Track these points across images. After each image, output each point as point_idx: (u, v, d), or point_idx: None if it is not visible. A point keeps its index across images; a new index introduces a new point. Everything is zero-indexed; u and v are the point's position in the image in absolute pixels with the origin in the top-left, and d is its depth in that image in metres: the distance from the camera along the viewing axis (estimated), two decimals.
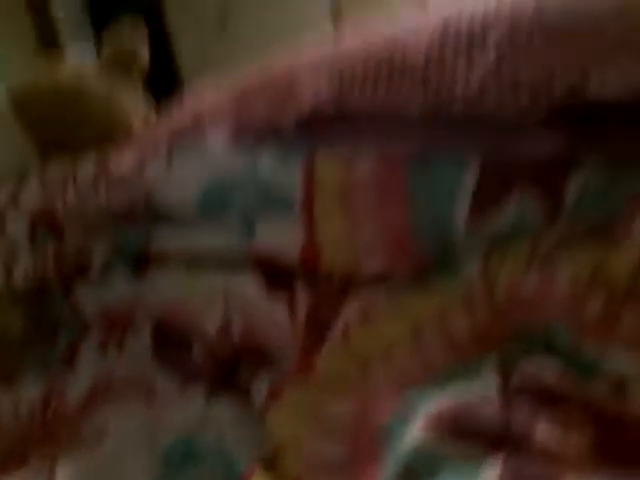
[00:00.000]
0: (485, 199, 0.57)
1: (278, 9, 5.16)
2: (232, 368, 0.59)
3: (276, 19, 5.16)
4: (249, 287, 0.59)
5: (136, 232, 0.66)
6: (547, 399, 0.41)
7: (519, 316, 0.49)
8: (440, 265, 0.58)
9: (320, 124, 0.71)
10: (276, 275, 0.61)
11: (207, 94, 1.06)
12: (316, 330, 0.55)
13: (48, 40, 4.94)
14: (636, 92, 0.59)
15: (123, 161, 0.69)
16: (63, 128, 1.11)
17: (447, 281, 0.56)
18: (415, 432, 0.40)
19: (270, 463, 0.44)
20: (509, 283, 0.50)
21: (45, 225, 0.70)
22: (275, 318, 0.57)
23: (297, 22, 5.02)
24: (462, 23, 0.82)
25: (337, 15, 4.94)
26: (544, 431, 0.38)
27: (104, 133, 1.11)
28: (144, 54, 1.23)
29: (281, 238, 0.61)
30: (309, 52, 0.99)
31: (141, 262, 0.65)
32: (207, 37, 5.38)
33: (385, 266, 0.58)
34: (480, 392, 0.44)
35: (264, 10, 5.19)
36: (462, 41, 0.79)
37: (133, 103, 1.19)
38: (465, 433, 0.39)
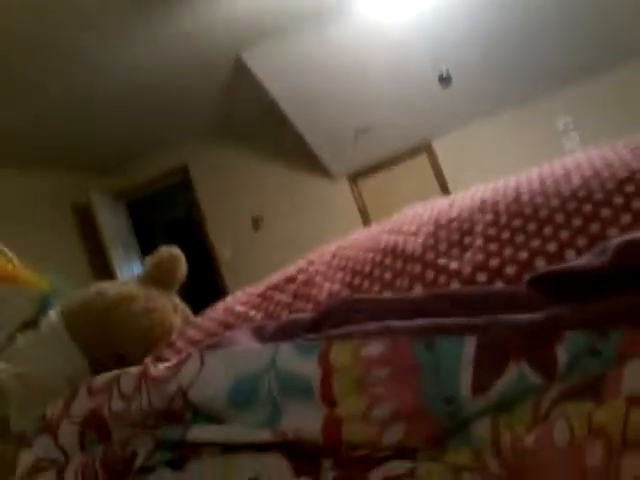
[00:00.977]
0: (486, 371, 0.62)
1: (308, 213, 5.58)
2: None
3: (307, 220, 5.56)
4: (278, 471, 0.64)
5: (174, 427, 0.72)
6: None
7: (526, 471, 0.52)
8: (453, 431, 0.63)
9: (334, 315, 0.80)
10: (302, 456, 0.66)
11: (234, 299, 1.18)
12: None
13: (101, 267, 5.36)
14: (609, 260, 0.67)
15: (161, 365, 0.78)
16: (109, 339, 1.23)
17: (460, 445, 0.60)
18: None
19: None
20: (513, 439, 0.54)
21: (94, 430, 0.77)
22: None
23: (327, 224, 5.41)
24: (452, 217, 0.94)
25: (365, 219, 5.33)
26: None
27: (146, 335, 1.22)
28: (179, 270, 1.38)
29: (304, 419, 0.66)
30: (325, 254, 1.12)
31: (179, 453, 0.70)
32: (243, 240, 5.78)
33: (403, 437, 0.62)
34: None
35: (297, 213, 5.62)
36: (454, 231, 0.91)
37: (171, 309, 1.31)
38: None
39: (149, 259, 1.43)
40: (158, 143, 5.79)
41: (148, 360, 1.05)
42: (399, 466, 0.59)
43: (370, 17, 3.96)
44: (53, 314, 1.32)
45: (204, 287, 6.46)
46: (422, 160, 5.22)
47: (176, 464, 0.70)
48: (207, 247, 6.09)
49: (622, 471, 0.49)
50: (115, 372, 0.82)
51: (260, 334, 0.84)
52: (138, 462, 0.70)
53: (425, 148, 5.19)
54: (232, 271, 5.93)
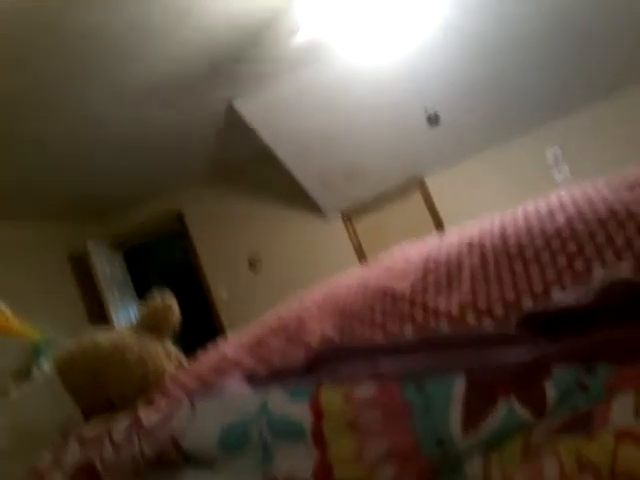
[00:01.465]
0: (475, 409, 0.63)
1: (304, 252, 5.60)
2: None
3: (303, 259, 5.57)
4: None
5: (165, 474, 0.71)
6: None
7: None
8: (445, 469, 0.63)
9: (324, 360, 0.80)
10: None
11: (227, 343, 1.18)
12: None
13: (97, 313, 5.34)
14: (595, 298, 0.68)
15: (152, 413, 0.78)
16: (102, 387, 1.22)
17: None
18: None
19: None
20: (504, 478, 0.54)
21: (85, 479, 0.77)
22: None
23: (323, 262, 5.42)
24: (440, 258, 0.95)
25: (360, 256, 5.35)
26: None
27: (139, 383, 1.22)
28: (172, 317, 1.38)
29: (296, 461, 0.66)
30: (316, 296, 1.13)
31: None
32: (240, 281, 5.77)
33: (396, 476, 0.62)
34: None
35: (292, 252, 5.64)
36: (441, 274, 0.92)
37: (164, 356, 1.31)
38: None
39: (142, 307, 1.43)
40: (153, 191, 5.82)
41: (139, 408, 1.05)
42: None
43: (355, 60, 4.05)
44: (46, 364, 1.31)
45: (202, 328, 6.43)
46: (416, 197, 5.26)
47: None
48: (204, 289, 6.08)
49: None
50: (106, 421, 0.81)
51: (252, 380, 0.84)
52: None
53: (418, 185, 5.23)
54: (229, 311, 5.91)
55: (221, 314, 5.97)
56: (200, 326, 6.57)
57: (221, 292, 5.96)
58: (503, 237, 0.91)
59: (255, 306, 5.40)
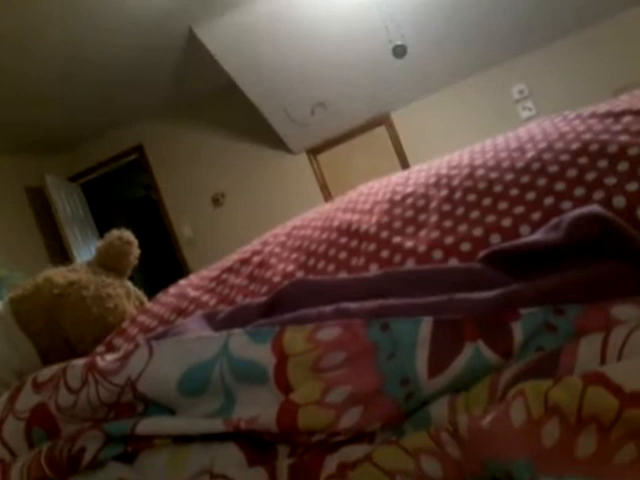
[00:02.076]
0: (441, 351, 0.61)
1: (269, 189, 5.54)
2: None
3: (268, 196, 5.52)
4: (231, 460, 0.62)
5: (124, 421, 0.69)
6: None
7: (483, 453, 0.51)
8: (410, 414, 0.62)
9: (287, 299, 0.78)
10: (257, 445, 0.64)
11: (188, 282, 1.15)
12: None
13: (58, 249, 5.23)
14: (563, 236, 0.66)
15: (109, 356, 0.75)
16: (58, 327, 1.19)
17: (418, 428, 0.59)
18: None
19: None
20: (471, 420, 0.53)
21: (41, 426, 0.74)
22: None
23: (288, 199, 5.37)
24: (407, 193, 0.93)
25: (326, 193, 5.31)
26: None
27: (97, 323, 1.19)
28: (131, 254, 1.33)
29: (259, 406, 0.64)
30: (279, 233, 1.10)
31: (130, 447, 0.67)
32: (203, 218, 5.71)
33: (360, 421, 0.60)
34: None
35: (257, 189, 5.57)
36: (408, 208, 0.89)
37: (123, 295, 1.28)
38: None
39: (99, 244, 1.38)
40: (112, 123, 5.62)
41: (97, 351, 1.02)
42: (356, 451, 0.58)
43: None
44: (0, 303, 1.26)
45: (165, 267, 6.38)
46: (381, 132, 5.21)
47: (127, 458, 0.68)
48: (167, 227, 5.99)
49: (576, 449, 0.49)
50: (61, 364, 0.78)
51: (212, 321, 0.82)
52: (87, 458, 0.67)
53: (383, 120, 5.17)
54: (193, 250, 5.86)
55: (185, 252, 5.91)
56: (164, 265, 6.52)
57: (184, 229, 5.89)
58: (471, 172, 0.88)
59: (219, 244, 5.36)
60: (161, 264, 6.68)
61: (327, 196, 5.31)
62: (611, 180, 0.72)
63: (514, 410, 0.52)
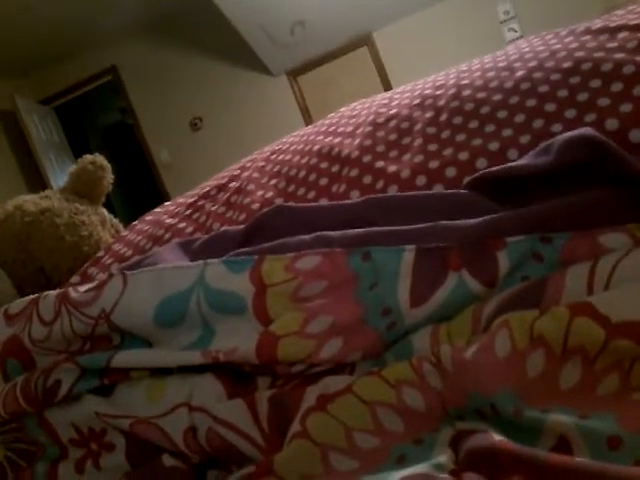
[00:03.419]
0: (424, 281, 0.60)
1: (248, 112, 5.41)
2: (202, 474, 0.59)
3: (247, 120, 5.40)
4: (210, 392, 0.61)
5: (99, 353, 0.67)
6: (495, 468, 0.42)
7: (467, 384, 0.50)
8: (392, 345, 0.61)
9: (266, 227, 0.75)
10: (236, 377, 0.63)
11: (165, 208, 1.12)
12: (278, 427, 0.56)
13: (34, 179, 5.12)
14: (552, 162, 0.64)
15: (82, 287, 0.72)
16: (32, 256, 1.15)
17: (400, 358, 0.58)
18: None
19: None
20: (454, 351, 0.52)
21: (15, 359, 0.72)
22: (237, 421, 0.57)
23: (267, 122, 5.26)
24: (391, 115, 0.89)
25: (306, 117, 5.19)
26: None
27: (71, 252, 1.16)
28: (104, 180, 1.29)
29: (238, 337, 0.63)
30: (258, 158, 1.05)
31: (106, 379, 0.66)
32: (181, 143, 5.60)
33: (340, 351, 0.59)
34: (434, 466, 0.44)
35: (236, 113, 5.44)
36: (392, 130, 0.85)
37: (98, 223, 1.24)
38: None
39: (71, 170, 1.32)
40: (83, 43, 5.38)
41: (72, 281, 0.99)
42: (336, 382, 0.57)
43: None
44: None
45: (144, 193, 6.30)
46: (363, 53, 5.06)
47: (104, 391, 0.66)
48: (144, 151, 5.87)
49: (560, 380, 0.48)
50: (32, 296, 0.76)
51: (188, 249, 0.79)
52: (62, 391, 0.66)
53: (365, 41, 5.01)
54: (171, 175, 5.77)
55: (163, 177, 5.82)
56: (142, 191, 6.43)
57: (162, 154, 5.77)
58: (458, 92, 0.84)
59: (197, 169, 5.28)
60: (140, 190, 6.59)
61: (308, 119, 5.21)
62: (604, 101, 0.68)
63: (498, 341, 0.51)
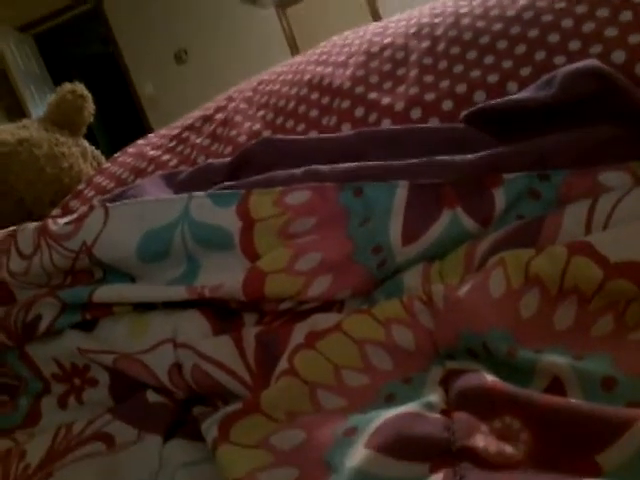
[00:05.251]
0: (417, 218, 0.58)
1: (234, 44, 5.26)
2: (187, 410, 0.58)
3: (233, 52, 5.26)
4: (196, 328, 0.59)
5: (81, 288, 0.65)
6: (487, 408, 0.41)
7: (459, 323, 0.49)
8: (382, 283, 0.60)
9: (253, 159, 0.72)
10: (222, 314, 0.62)
11: (148, 140, 1.08)
12: (265, 364, 0.55)
13: (15, 108, 4.99)
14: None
15: (61, 220, 0.69)
16: (11, 189, 1.12)
17: (391, 296, 0.57)
18: (356, 453, 0.40)
19: None
20: (446, 290, 0.51)
21: None
22: (223, 358, 0.56)
23: (254, 55, 5.13)
24: (385, 44, 0.85)
25: (294, 50, 5.06)
26: (483, 441, 0.38)
27: (52, 184, 1.12)
28: (85, 110, 1.24)
29: (224, 273, 0.61)
30: (245, 89, 1.01)
31: (88, 314, 0.65)
32: (166, 75, 5.47)
33: (329, 289, 0.58)
34: (424, 404, 0.44)
35: (222, 44, 5.29)
36: (386, 60, 0.82)
37: (78, 154, 1.20)
38: (406, 450, 0.39)
39: (50, 99, 1.27)
40: None
41: (53, 213, 0.96)
42: (325, 319, 0.56)
43: None
44: None
45: (128, 127, 6.16)
46: None
47: (86, 326, 0.65)
48: (127, 84, 5.71)
49: (555, 320, 0.47)
50: (11, 229, 0.73)
51: (172, 182, 0.76)
52: (43, 326, 0.64)
53: None
54: (156, 109, 5.64)
55: (147, 111, 5.69)
56: (126, 125, 6.29)
57: (146, 87, 5.62)
58: (456, 20, 0.79)
59: (183, 103, 5.15)
60: (123, 125, 6.45)
61: (295, 52, 5.08)
62: (612, 32, 0.65)
63: (493, 279, 0.50)
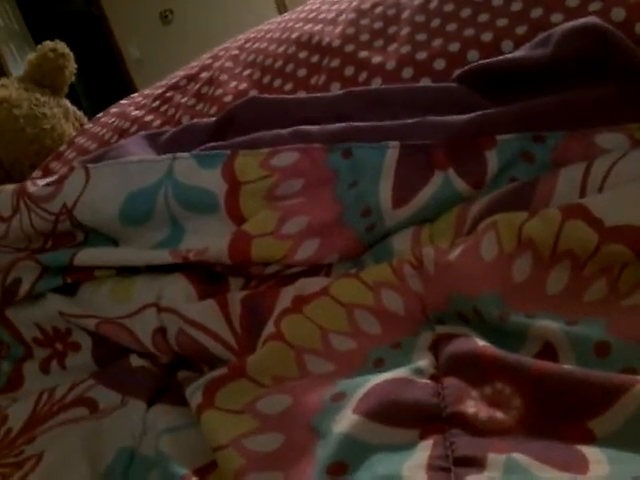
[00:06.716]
0: (408, 180, 0.57)
1: (221, 3, 5.15)
2: (171, 375, 0.58)
3: (220, 11, 5.15)
4: (180, 293, 0.58)
5: (61, 251, 0.64)
6: (477, 373, 0.40)
7: (449, 287, 0.48)
8: (371, 246, 0.58)
9: (240, 120, 0.70)
10: (207, 278, 0.60)
11: (131, 100, 1.05)
12: (251, 329, 0.54)
13: None
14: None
15: (41, 181, 0.67)
16: None
17: (380, 260, 0.56)
18: (344, 419, 0.39)
19: (209, 467, 0.43)
20: (437, 252, 0.50)
21: None
22: (209, 322, 0.55)
23: (242, 15, 5.02)
24: (376, 0, 0.82)
25: (281, 7, 4.95)
26: (473, 407, 0.37)
27: (32, 145, 1.09)
28: (66, 69, 1.20)
29: (209, 236, 0.60)
30: (231, 45, 0.98)
31: (69, 278, 0.63)
32: (151, 36, 5.35)
33: (317, 252, 0.57)
34: (413, 370, 0.43)
35: (208, 3, 5.18)
36: (377, 18, 0.79)
37: (60, 115, 1.17)
38: (395, 416, 0.38)
39: (30, 57, 1.23)
40: None
41: (33, 176, 0.94)
42: (312, 283, 0.55)
43: None
44: None
45: (113, 90, 6.04)
46: None
47: (68, 290, 0.63)
48: (112, 45, 5.58)
49: (547, 285, 0.46)
50: None
51: (155, 142, 0.74)
52: (23, 289, 0.63)
53: None
54: (142, 71, 5.53)
55: (133, 74, 5.58)
56: (111, 88, 6.17)
57: (131, 49, 5.50)
58: None
59: (169, 64, 5.05)
60: (108, 86, 6.32)
61: (284, 12, 4.97)
62: None
63: (485, 243, 0.49)
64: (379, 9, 0.79)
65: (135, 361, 0.58)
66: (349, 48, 0.76)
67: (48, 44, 1.23)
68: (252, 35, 0.96)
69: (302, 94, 0.77)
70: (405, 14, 0.76)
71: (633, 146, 0.50)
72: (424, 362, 0.43)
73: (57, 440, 0.53)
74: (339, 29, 0.80)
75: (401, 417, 0.38)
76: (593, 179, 0.49)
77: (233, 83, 0.84)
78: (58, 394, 0.59)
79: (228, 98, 0.82)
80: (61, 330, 0.64)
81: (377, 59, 0.73)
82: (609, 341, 0.38)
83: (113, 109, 1.04)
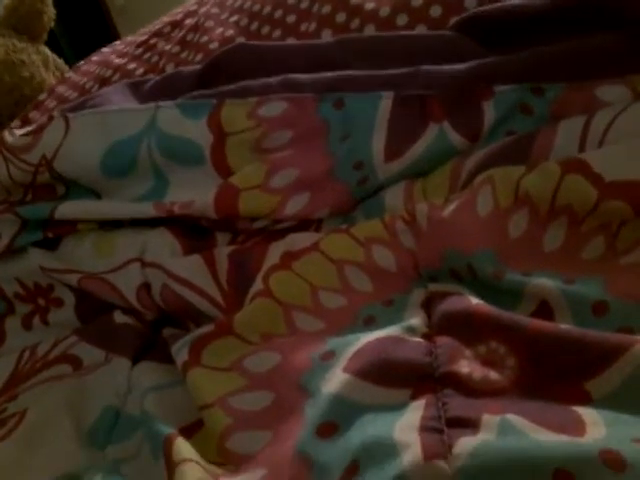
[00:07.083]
0: (402, 132, 0.55)
1: None
2: (157, 332, 0.56)
3: None
4: (165, 247, 0.56)
5: (41, 204, 0.62)
6: (471, 332, 0.39)
7: (443, 243, 0.47)
8: (362, 201, 0.57)
9: (226, 67, 0.68)
10: (193, 233, 0.59)
11: (113, 48, 1.01)
12: (239, 285, 0.53)
13: None
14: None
15: (19, 131, 0.65)
16: None
17: (371, 216, 0.54)
18: (334, 378, 0.38)
19: (195, 426, 0.43)
20: (430, 208, 0.49)
21: None
22: (194, 278, 0.54)
23: None
24: None
25: None
26: (467, 367, 0.36)
27: (10, 94, 1.05)
28: (44, 13, 1.15)
29: (194, 189, 0.58)
30: None
31: (50, 232, 0.61)
32: None
33: (307, 207, 0.55)
34: (405, 328, 0.42)
35: None
36: None
37: (40, 63, 1.12)
38: (387, 375, 0.37)
39: (6, 2, 1.17)
40: None
41: (12, 126, 0.91)
42: (302, 239, 0.53)
43: None
44: None
45: (97, 40, 5.88)
46: None
47: (49, 244, 0.61)
48: None
49: (544, 241, 0.45)
50: None
51: (138, 91, 0.71)
52: (2, 244, 0.61)
53: None
54: (126, 20, 5.36)
55: (117, 23, 5.41)
56: (94, 38, 6.00)
57: None
58: None
59: (153, 11, 4.90)
60: (91, 35, 6.15)
61: None
62: None
63: (480, 198, 0.47)
64: None
65: (119, 317, 0.57)
66: None
67: None
68: None
69: (292, 41, 0.75)
70: None
71: (635, 99, 0.48)
72: (416, 320, 0.42)
73: (40, 397, 0.52)
74: None
75: (392, 376, 0.37)
76: (593, 133, 0.47)
77: (219, 29, 0.81)
78: (40, 351, 0.58)
79: (214, 45, 0.79)
80: (43, 285, 0.62)
81: (370, 5, 0.70)
82: (607, 300, 0.37)
83: (95, 57, 1.01)
